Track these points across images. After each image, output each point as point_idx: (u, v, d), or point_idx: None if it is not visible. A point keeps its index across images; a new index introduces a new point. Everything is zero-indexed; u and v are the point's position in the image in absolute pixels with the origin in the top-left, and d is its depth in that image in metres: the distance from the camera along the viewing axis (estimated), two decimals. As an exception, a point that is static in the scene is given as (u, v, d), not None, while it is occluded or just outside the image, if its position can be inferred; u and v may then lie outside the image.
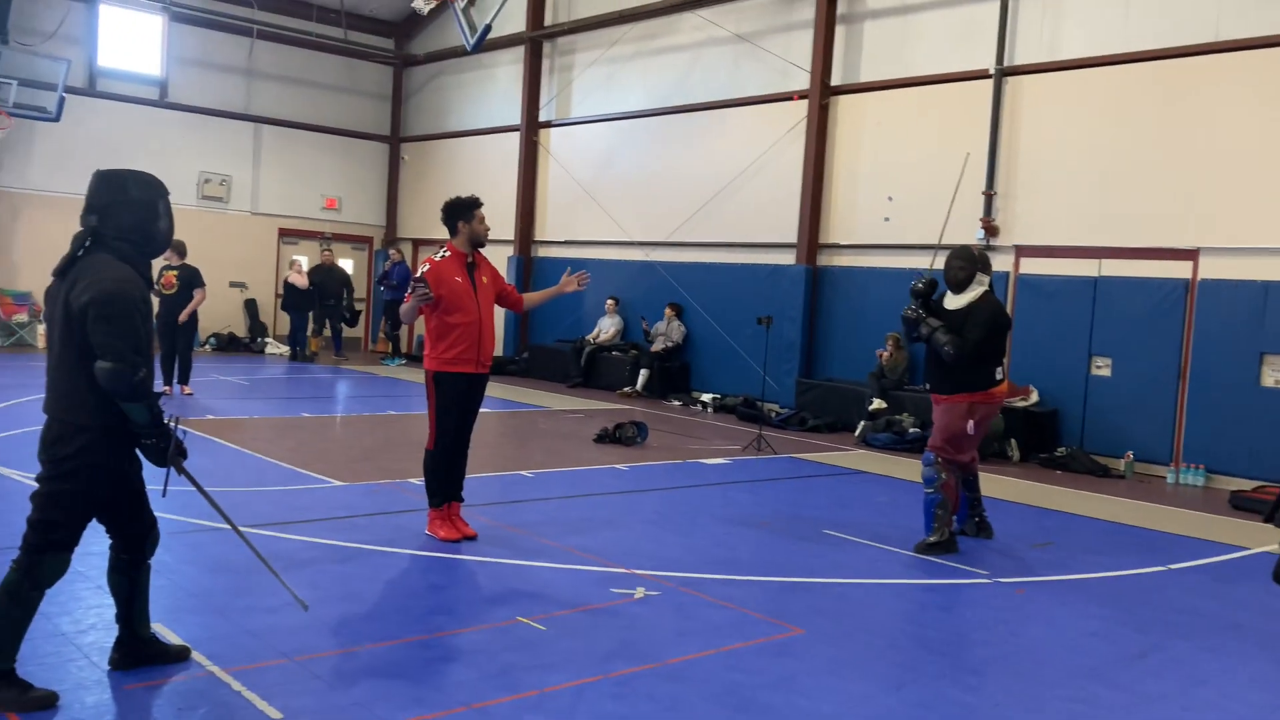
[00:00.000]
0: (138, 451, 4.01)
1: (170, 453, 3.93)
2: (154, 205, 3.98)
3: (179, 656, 4.26)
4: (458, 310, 6.41)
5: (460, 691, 4.15)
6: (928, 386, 7.25)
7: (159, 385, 12.88)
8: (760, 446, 11.04)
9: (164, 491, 4.11)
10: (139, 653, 4.18)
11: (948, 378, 6.96)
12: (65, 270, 3.84)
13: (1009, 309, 12.55)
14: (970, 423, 6.93)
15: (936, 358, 7.02)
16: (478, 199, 6.75)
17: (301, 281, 18.18)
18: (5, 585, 3.80)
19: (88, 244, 3.85)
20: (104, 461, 3.87)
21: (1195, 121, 11.06)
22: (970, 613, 5.71)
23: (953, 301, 7.08)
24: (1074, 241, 12.01)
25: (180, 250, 13.01)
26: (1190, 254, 11.07)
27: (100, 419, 3.82)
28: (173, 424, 3.97)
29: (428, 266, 6.50)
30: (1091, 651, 5.16)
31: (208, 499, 4.38)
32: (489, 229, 6.82)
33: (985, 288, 7.03)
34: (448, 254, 6.58)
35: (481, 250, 6.77)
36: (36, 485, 3.91)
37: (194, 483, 4.20)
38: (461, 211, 6.63)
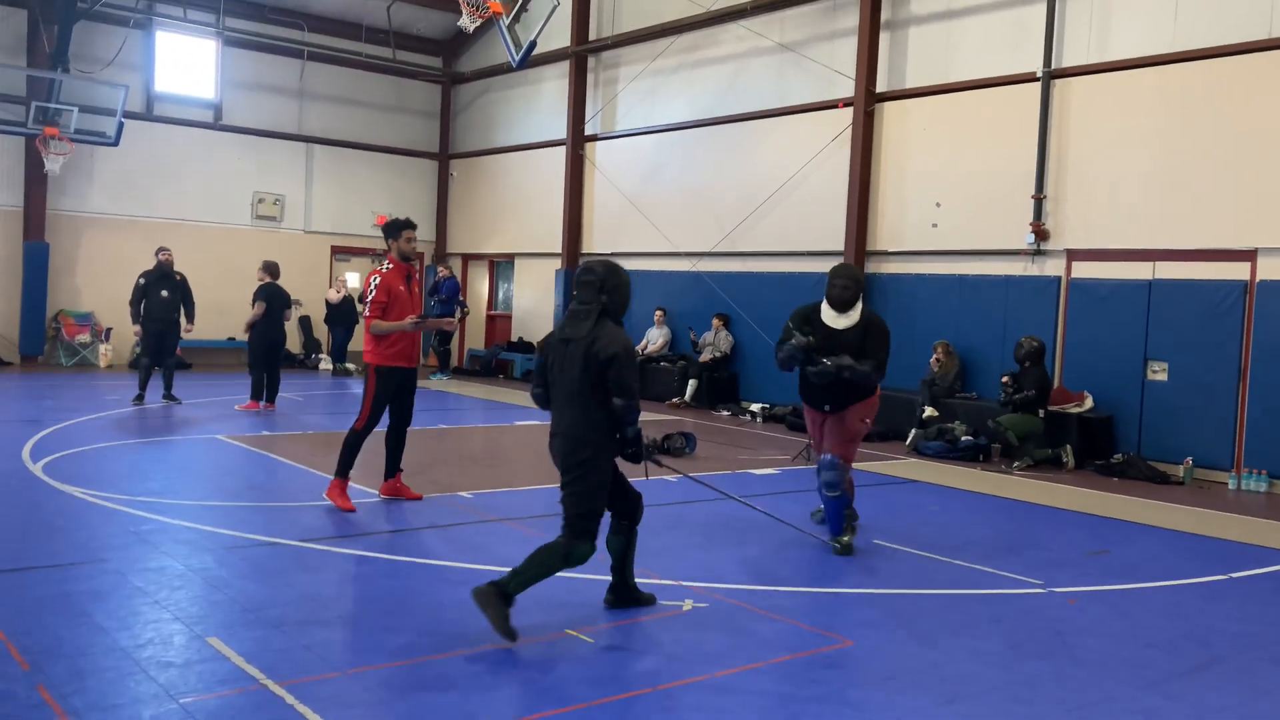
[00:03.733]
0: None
1: (645, 454, 5.31)
2: (630, 287, 5.29)
3: (649, 601, 5.54)
4: (399, 315, 7.62)
5: (510, 704, 4.18)
6: (827, 408, 7.10)
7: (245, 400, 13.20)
8: (810, 456, 10.95)
9: (646, 474, 5.63)
10: (626, 597, 5.48)
11: (845, 394, 6.98)
12: (579, 335, 5.09)
13: (1061, 314, 12.40)
14: (868, 421, 7.16)
15: (825, 378, 6.93)
16: (408, 221, 7.87)
17: (334, 297, 18.90)
18: (552, 546, 5.07)
19: (598, 315, 5.11)
20: (605, 462, 5.16)
21: (1249, 119, 10.84)
22: (1023, 623, 5.63)
23: (840, 320, 7.05)
24: (1126, 244, 11.82)
25: (270, 271, 13.32)
26: (1248, 254, 10.83)
27: (605, 436, 5.11)
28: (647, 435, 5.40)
29: (378, 279, 7.63)
30: (1149, 663, 5.06)
31: (690, 477, 6.87)
32: (415, 248, 7.93)
33: (862, 304, 7.17)
34: (390, 266, 7.75)
35: (412, 264, 7.97)
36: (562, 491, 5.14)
37: (673, 469, 6.17)
38: (393, 231, 7.80)
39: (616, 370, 4.98)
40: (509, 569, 5.05)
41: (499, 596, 4.88)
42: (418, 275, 8.08)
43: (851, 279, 7.08)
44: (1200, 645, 5.38)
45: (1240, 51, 10.91)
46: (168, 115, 18.96)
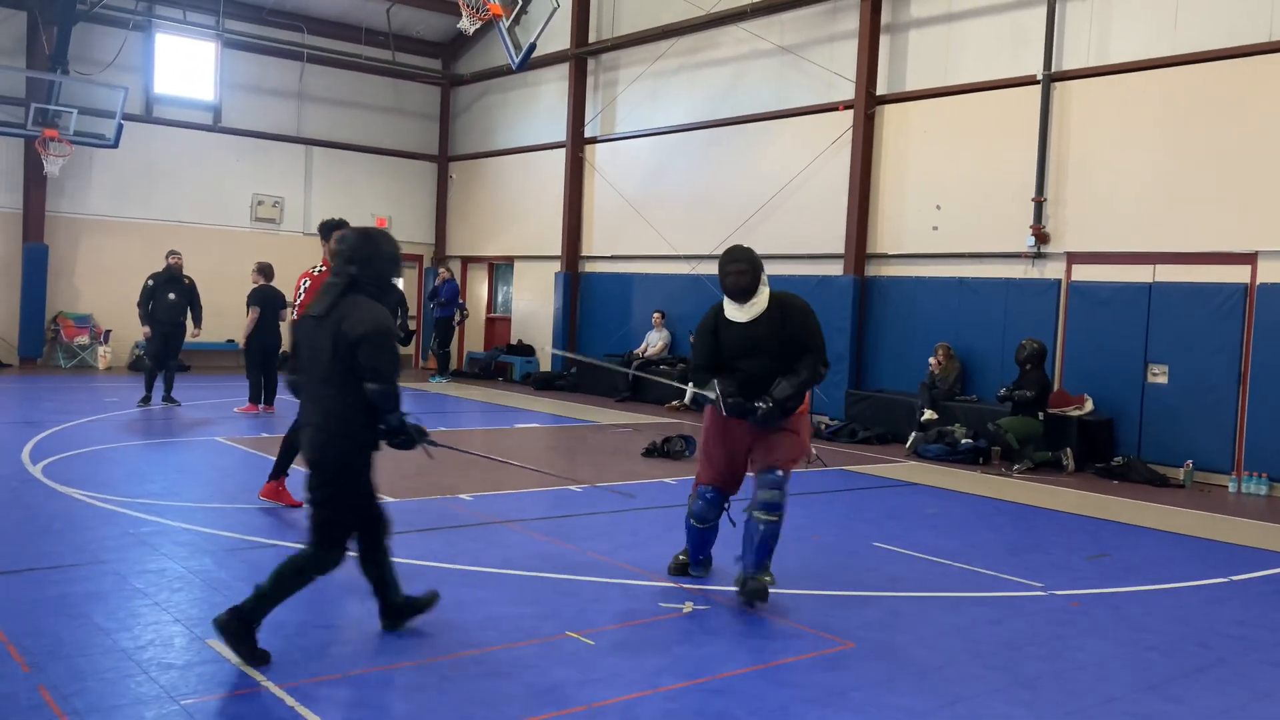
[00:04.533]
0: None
1: (415, 439, 4.72)
2: (397, 259, 4.84)
3: (430, 603, 5.01)
4: None
5: (510, 707, 4.17)
6: (766, 424, 5.80)
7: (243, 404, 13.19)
8: (809, 459, 10.97)
9: (430, 456, 5.17)
10: (402, 611, 4.94)
11: (798, 398, 5.83)
12: (329, 311, 4.56)
13: (1061, 317, 12.37)
14: (807, 417, 6.15)
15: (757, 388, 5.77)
16: (340, 222, 7.41)
17: None
18: (297, 561, 4.57)
19: (346, 289, 4.60)
20: (362, 462, 4.66)
21: (1249, 123, 10.85)
22: (1025, 626, 5.62)
23: (743, 312, 5.77)
24: (1127, 247, 11.82)
25: (264, 273, 13.29)
26: (1248, 258, 10.84)
27: (359, 429, 4.58)
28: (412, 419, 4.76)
29: (308, 281, 7.42)
30: (1150, 666, 5.06)
31: (455, 449, 5.89)
32: None
33: (769, 287, 5.86)
34: (323, 269, 7.44)
35: None
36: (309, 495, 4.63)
37: (444, 445, 5.20)
38: (324, 233, 7.48)
39: (367, 351, 4.45)
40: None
41: (241, 624, 4.43)
42: None
43: (745, 260, 5.79)
44: (1201, 648, 5.38)
45: (1240, 55, 10.92)
46: (167, 117, 18.96)
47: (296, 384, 4.83)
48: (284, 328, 13.45)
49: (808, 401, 6.05)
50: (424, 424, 4.81)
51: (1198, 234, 11.21)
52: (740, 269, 5.75)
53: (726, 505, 6.06)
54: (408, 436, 4.68)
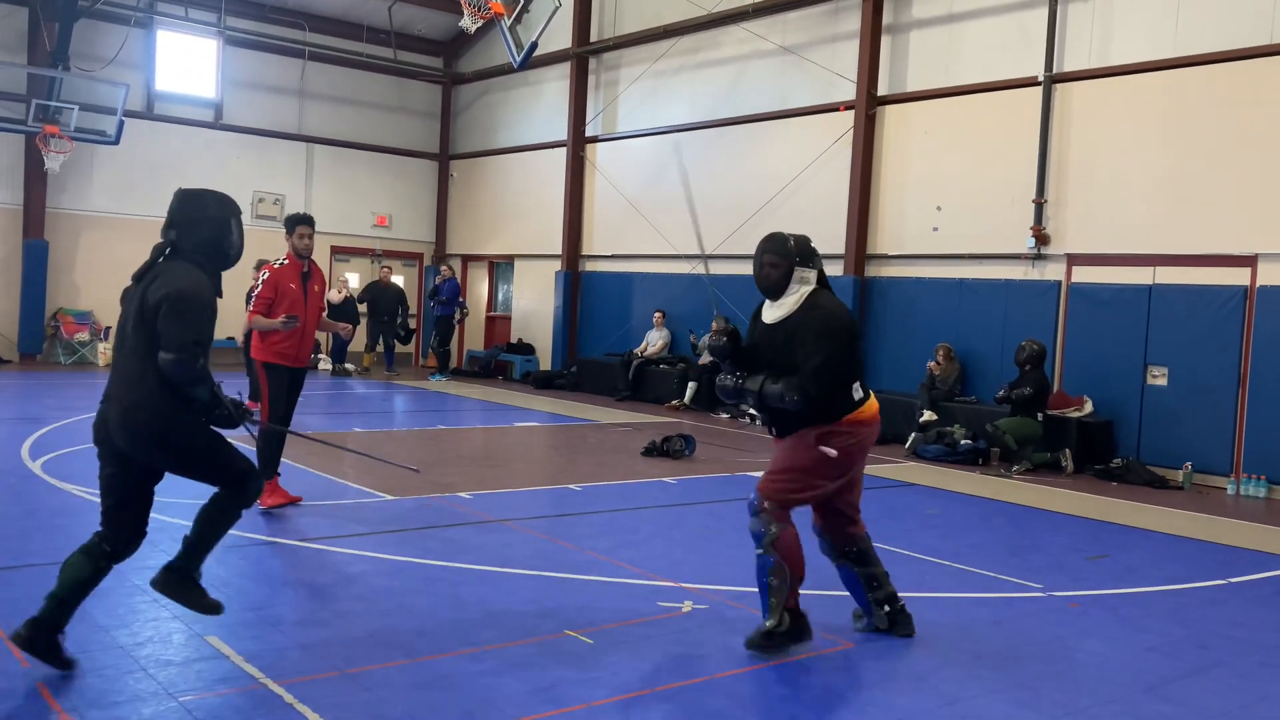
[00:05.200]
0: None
1: (237, 417, 4.34)
2: (227, 222, 4.33)
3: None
4: (286, 312, 7.29)
5: (508, 705, 4.17)
6: (772, 431, 5.19)
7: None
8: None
9: (254, 436, 4.67)
10: (50, 643, 4.17)
11: (788, 419, 5.01)
12: (143, 275, 4.21)
13: (1061, 318, 12.36)
14: (823, 449, 4.92)
15: (728, 396, 5.25)
16: (300, 216, 7.55)
17: (335, 297, 18.81)
18: (219, 503, 4.33)
19: (166, 253, 4.22)
20: (188, 422, 4.23)
21: (1249, 125, 10.85)
22: (1023, 627, 5.62)
23: (771, 312, 5.08)
24: (1127, 249, 11.82)
25: (258, 269, 13.24)
26: (1248, 260, 10.84)
27: (165, 402, 4.13)
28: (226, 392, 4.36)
29: (267, 274, 7.42)
30: (1150, 667, 5.06)
31: (286, 432, 5.48)
32: (310, 244, 7.53)
33: (812, 286, 5.03)
34: (286, 262, 7.47)
35: (314, 260, 7.67)
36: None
37: (269, 427, 4.83)
38: (288, 226, 7.54)
39: (163, 316, 4.02)
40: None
41: (185, 580, 4.37)
42: (322, 274, 7.72)
43: (778, 253, 5.01)
44: (1200, 649, 5.38)
45: (1241, 57, 10.93)
46: (168, 114, 18.96)
47: (114, 350, 4.36)
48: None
49: (837, 438, 4.94)
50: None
51: (1198, 236, 11.21)
52: (771, 261, 5.03)
53: (839, 555, 5.33)
54: (226, 412, 4.26)
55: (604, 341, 18.34)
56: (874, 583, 5.27)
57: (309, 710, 3.99)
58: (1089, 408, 11.82)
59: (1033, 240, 12.46)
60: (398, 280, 20.76)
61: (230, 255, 4.35)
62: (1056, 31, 12.43)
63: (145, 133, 18.39)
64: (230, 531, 6.71)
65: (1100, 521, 8.79)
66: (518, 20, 12.58)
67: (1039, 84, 12.53)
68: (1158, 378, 11.54)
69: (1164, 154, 11.53)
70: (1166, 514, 9.36)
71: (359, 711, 4.05)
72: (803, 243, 5.06)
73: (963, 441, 11.83)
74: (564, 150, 19.10)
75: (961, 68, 13.46)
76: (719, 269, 16.38)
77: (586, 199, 19.00)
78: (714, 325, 5.22)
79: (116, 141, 16.88)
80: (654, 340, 17.07)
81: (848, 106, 14.45)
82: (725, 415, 15.14)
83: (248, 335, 12.99)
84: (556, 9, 12.82)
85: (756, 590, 5.00)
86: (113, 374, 4.26)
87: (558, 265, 19.17)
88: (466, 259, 22.07)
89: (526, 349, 19.96)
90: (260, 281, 7.44)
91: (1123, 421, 11.72)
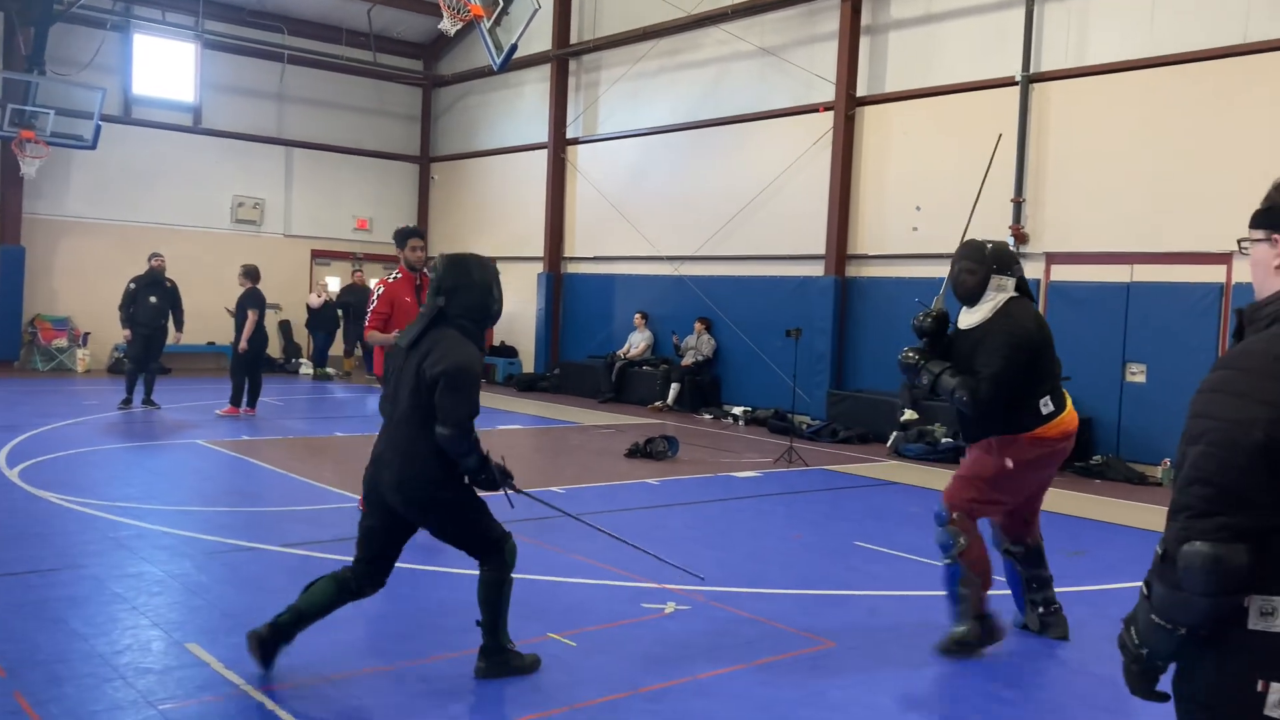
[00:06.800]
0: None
1: (499, 480, 4.44)
2: (489, 287, 4.48)
3: (533, 666, 4.57)
4: (402, 326, 7.19)
5: (492, 708, 4.17)
6: (961, 436, 5.55)
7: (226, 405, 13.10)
8: (791, 459, 11.01)
9: (510, 504, 4.66)
10: (498, 666, 4.48)
11: (975, 424, 5.13)
12: (416, 342, 4.34)
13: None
14: (1008, 460, 5.01)
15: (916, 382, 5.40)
16: (411, 229, 7.57)
17: (314, 301, 18.83)
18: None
19: (434, 318, 4.36)
20: (460, 492, 4.41)
21: (1225, 123, 10.94)
22: (1004, 624, 5.65)
23: (967, 318, 5.15)
24: (1105, 247, 11.90)
25: (252, 276, 13.19)
26: (1224, 258, 10.93)
27: (436, 468, 4.29)
28: (497, 458, 4.49)
29: (382, 289, 7.32)
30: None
31: (547, 505, 5.28)
32: (422, 257, 7.49)
33: (1009, 294, 5.08)
34: (399, 275, 7.42)
35: (426, 273, 7.42)
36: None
37: (529, 496, 4.87)
38: (399, 240, 7.51)
39: (442, 391, 4.17)
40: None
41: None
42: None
43: (974, 259, 5.09)
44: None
45: (1216, 56, 11.02)
46: (146, 118, 18.84)
47: (381, 410, 4.55)
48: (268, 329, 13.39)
49: (1017, 448, 5.00)
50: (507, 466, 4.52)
51: (1174, 234, 11.29)
52: (968, 268, 5.09)
53: (1006, 547, 5.43)
54: (490, 476, 4.39)
55: (587, 344, 18.34)
56: (1034, 584, 5.37)
57: (290, 717, 3.97)
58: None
59: (1011, 239, 12.53)
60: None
61: (494, 316, 4.53)
62: (1034, 32, 12.51)
63: (122, 137, 18.25)
64: (210, 538, 6.69)
65: (1079, 518, 8.85)
66: (497, 22, 12.57)
67: (1016, 84, 12.60)
68: (1136, 375, 11.62)
69: (1140, 153, 11.61)
70: (1145, 510, 9.42)
71: (340, 716, 4.03)
72: (1000, 250, 5.15)
73: (944, 440, 11.88)
74: (545, 152, 19.08)
75: (940, 68, 13.52)
76: (700, 270, 16.42)
77: (568, 201, 18.99)
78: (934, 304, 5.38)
79: (93, 146, 16.78)
80: (636, 342, 17.08)
81: (827, 107, 14.50)
82: (708, 416, 15.16)
83: (235, 343, 13.03)
84: (536, 11, 12.81)
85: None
86: (385, 437, 4.42)
87: (539, 267, 19.16)
88: (448, 262, 22.01)
89: (509, 352, 19.94)
90: (375, 296, 7.30)
91: (1102, 419, 11.79)
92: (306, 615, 4.37)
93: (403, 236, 7.48)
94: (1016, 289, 5.11)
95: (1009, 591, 5.52)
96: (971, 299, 5.10)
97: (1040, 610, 5.36)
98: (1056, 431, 5.02)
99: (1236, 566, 1.86)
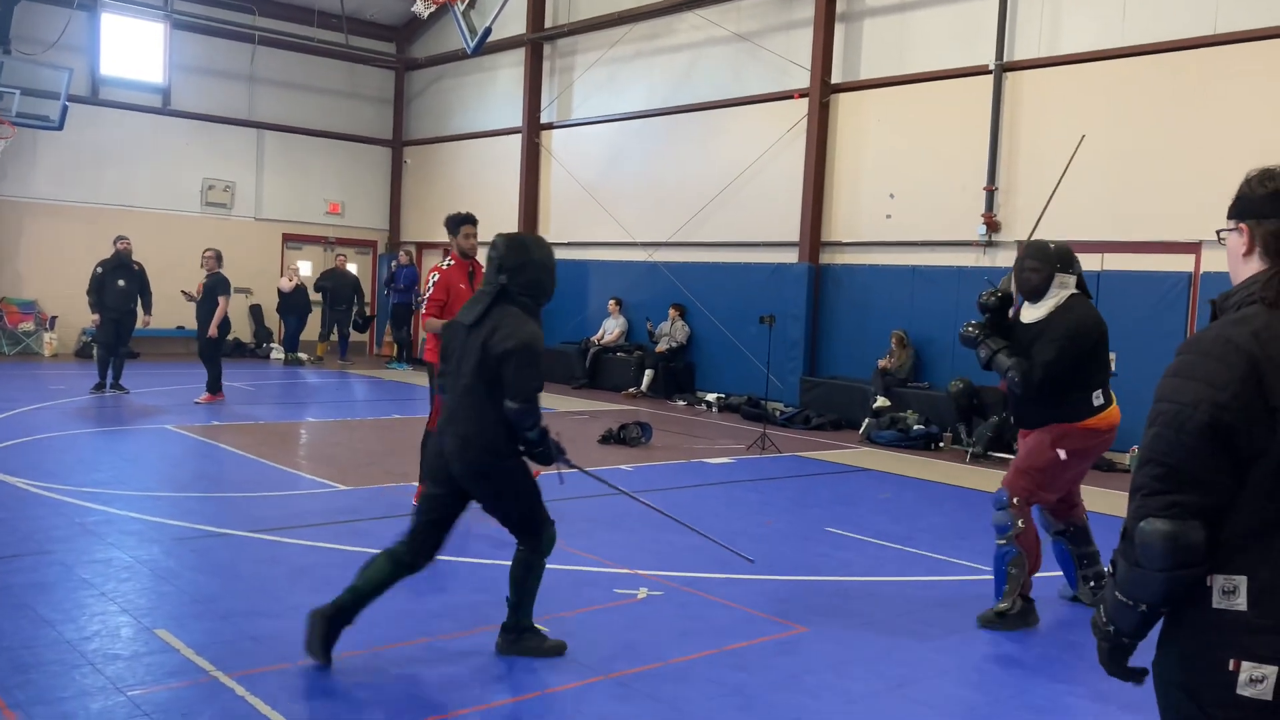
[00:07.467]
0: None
1: (554, 454, 4.62)
2: (547, 265, 4.59)
3: (555, 650, 4.65)
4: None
5: (463, 694, 4.16)
6: (1014, 419, 5.87)
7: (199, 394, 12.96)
8: (764, 445, 11.05)
9: (561, 480, 4.99)
10: (516, 642, 4.65)
11: (1029, 409, 5.50)
12: (479, 320, 4.45)
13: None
14: (1060, 451, 5.40)
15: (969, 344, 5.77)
16: (465, 216, 7.38)
17: (286, 285, 18.66)
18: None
19: (496, 296, 4.47)
20: (517, 465, 4.56)
21: (1195, 113, 11.03)
22: (975, 609, 5.69)
23: (1029, 313, 5.53)
24: (1076, 236, 11.92)
25: (220, 259, 13.04)
26: (1193, 247, 11.04)
27: (500, 440, 4.45)
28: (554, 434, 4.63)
29: (437, 276, 7.22)
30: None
31: (594, 477, 5.41)
32: (475, 244, 7.39)
33: (1071, 291, 5.43)
34: (452, 263, 7.34)
35: (477, 260, 7.37)
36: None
37: (584, 471, 5.10)
38: (452, 227, 7.38)
39: (512, 368, 4.34)
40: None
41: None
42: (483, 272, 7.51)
43: (1039, 258, 5.43)
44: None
45: (1187, 47, 11.10)
46: (114, 99, 18.57)
47: (445, 385, 4.66)
48: (233, 314, 13.26)
49: (1069, 438, 5.38)
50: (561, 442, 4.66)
51: (1144, 223, 11.39)
52: (1033, 266, 5.44)
53: (1056, 529, 5.87)
54: (546, 450, 4.56)
55: (561, 329, 18.29)
56: (1085, 561, 5.81)
57: (260, 702, 3.95)
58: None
59: (984, 227, 12.60)
60: (351, 268, 20.57)
61: (550, 293, 4.63)
62: (1007, 21, 12.55)
63: (90, 118, 17.99)
64: (179, 523, 6.64)
65: (1049, 504, 8.92)
66: (471, 6, 12.51)
67: (990, 73, 12.65)
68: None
69: (1110, 141, 11.69)
70: (1115, 497, 9.52)
71: (312, 703, 4.02)
72: (1063, 249, 5.48)
73: (915, 427, 11.96)
74: (519, 137, 18.98)
75: (914, 56, 13.55)
76: (674, 257, 16.41)
77: (542, 186, 18.91)
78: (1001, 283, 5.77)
79: (60, 127, 16.53)
80: (610, 328, 17.06)
81: (802, 94, 14.50)
82: (682, 403, 15.18)
83: (204, 328, 12.88)
84: (510, -6, 12.74)
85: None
86: (451, 407, 4.53)
87: (513, 253, 19.06)
88: (421, 246, 21.89)
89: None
90: (431, 282, 7.24)
91: (1072, 406, 11.89)
92: (364, 594, 4.45)
93: (456, 223, 7.35)
94: (1077, 286, 5.46)
95: (1059, 572, 5.91)
96: (1036, 295, 5.44)
97: (1091, 584, 5.77)
98: (1104, 424, 5.45)
99: (1190, 543, 1.96)
